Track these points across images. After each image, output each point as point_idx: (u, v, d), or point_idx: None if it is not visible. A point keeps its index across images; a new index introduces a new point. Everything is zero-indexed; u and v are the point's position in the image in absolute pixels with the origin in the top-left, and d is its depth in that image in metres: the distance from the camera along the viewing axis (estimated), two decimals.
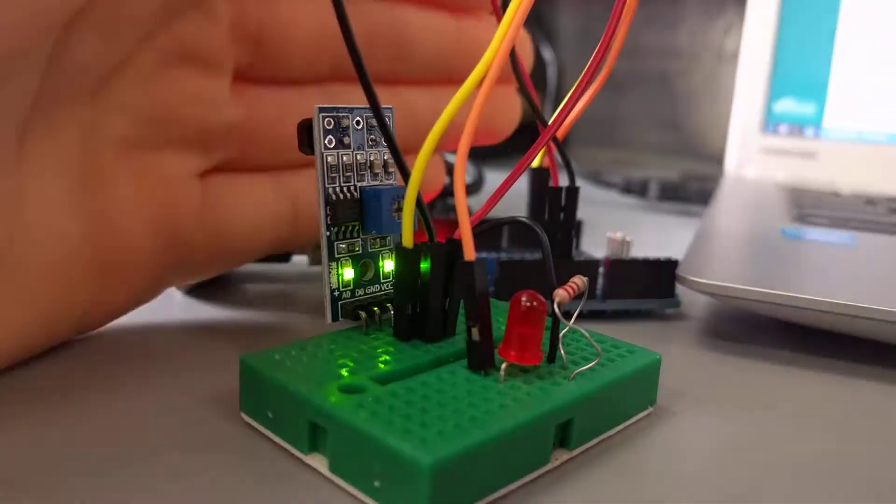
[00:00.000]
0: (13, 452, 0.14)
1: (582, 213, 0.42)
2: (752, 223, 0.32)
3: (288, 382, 0.14)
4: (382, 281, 0.18)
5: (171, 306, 0.22)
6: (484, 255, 0.28)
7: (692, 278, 0.21)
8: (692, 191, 0.44)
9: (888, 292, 0.21)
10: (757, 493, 0.14)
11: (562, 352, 0.15)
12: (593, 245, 0.29)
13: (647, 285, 0.23)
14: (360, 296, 0.17)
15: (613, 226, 0.39)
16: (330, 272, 0.17)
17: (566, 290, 0.15)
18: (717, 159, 0.49)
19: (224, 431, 0.15)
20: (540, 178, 0.25)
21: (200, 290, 0.24)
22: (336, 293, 0.17)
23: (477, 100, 0.15)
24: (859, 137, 0.47)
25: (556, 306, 0.15)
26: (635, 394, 0.16)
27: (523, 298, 0.14)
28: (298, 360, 0.15)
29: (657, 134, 0.79)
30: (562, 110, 0.18)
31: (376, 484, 0.12)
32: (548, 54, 0.54)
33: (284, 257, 0.26)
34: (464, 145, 0.15)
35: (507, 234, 0.30)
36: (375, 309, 0.17)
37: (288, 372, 0.14)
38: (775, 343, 0.22)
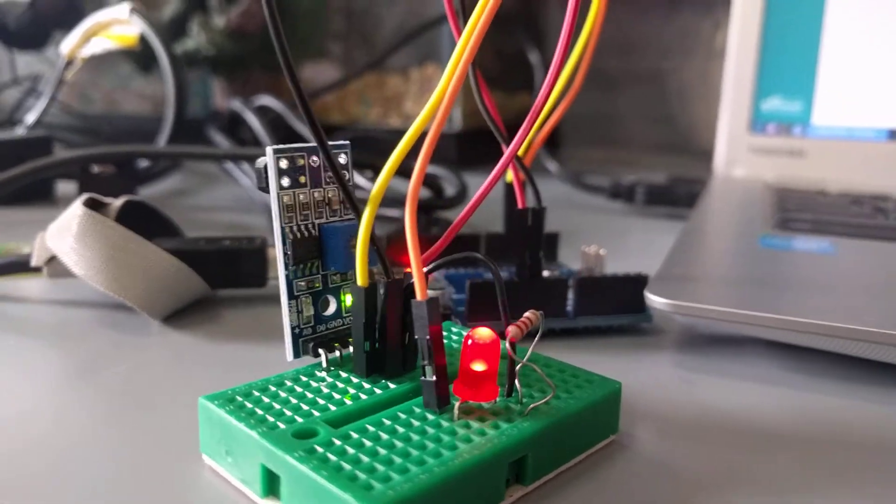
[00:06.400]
0: None
1: (568, 219, 0.43)
2: (732, 231, 0.32)
3: (243, 426, 0.14)
4: (345, 315, 0.18)
5: (148, 335, 0.23)
6: (462, 271, 0.29)
7: (659, 298, 0.21)
8: (680, 194, 0.44)
9: (857, 306, 0.21)
10: None
11: (518, 386, 0.15)
12: (574, 255, 0.28)
13: (617, 301, 0.24)
14: (322, 331, 0.17)
15: (599, 232, 0.40)
16: (290, 310, 0.17)
17: (518, 326, 0.15)
18: (711, 155, 0.49)
19: (184, 472, 0.15)
20: (513, 194, 0.25)
21: (176, 319, 0.24)
22: (297, 330, 0.17)
23: (432, 129, 0.15)
24: (848, 134, 0.47)
25: (508, 344, 0.15)
26: (595, 424, 0.16)
27: (472, 339, 0.15)
28: (258, 401, 0.15)
29: (649, 131, 0.79)
30: (521, 133, 0.18)
31: None
32: (534, 58, 0.54)
33: (261, 281, 0.26)
34: (416, 179, 0.15)
35: (484, 247, 0.30)
36: (336, 345, 0.17)
37: (245, 415, 0.14)
38: (750, 357, 0.22)
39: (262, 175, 0.17)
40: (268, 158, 0.16)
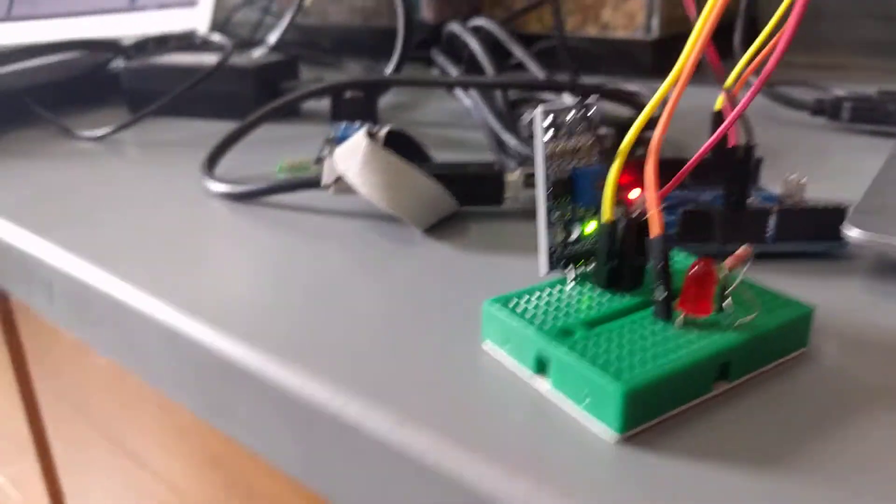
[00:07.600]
0: None
1: (768, 136, 0.44)
2: None
3: (522, 325, 0.20)
4: (584, 239, 0.23)
5: (414, 245, 0.29)
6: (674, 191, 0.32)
7: (857, 231, 0.24)
8: (891, 111, 0.43)
9: None
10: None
11: (729, 305, 0.20)
12: (774, 176, 0.31)
13: (815, 229, 0.26)
14: (569, 252, 0.22)
15: (799, 151, 0.41)
16: (549, 234, 0.22)
17: (733, 260, 0.19)
18: None
19: (471, 354, 0.21)
20: (720, 121, 0.28)
21: (434, 231, 0.30)
22: (552, 250, 0.22)
23: (673, 95, 0.19)
24: None
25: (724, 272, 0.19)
26: (787, 338, 0.20)
27: (697, 268, 0.19)
28: (527, 306, 0.21)
29: (864, 31, 0.74)
30: (745, 102, 0.21)
31: (587, 401, 0.18)
32: None
33: (499, 200, 0.31)
34: (654, 144, 0.19)
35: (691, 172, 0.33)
36: (581, 261, 0.22)
37: (521, 317, 0.20)
38: None
39: (528, 127, 0.21)
40: (536, 116, 0.21)
